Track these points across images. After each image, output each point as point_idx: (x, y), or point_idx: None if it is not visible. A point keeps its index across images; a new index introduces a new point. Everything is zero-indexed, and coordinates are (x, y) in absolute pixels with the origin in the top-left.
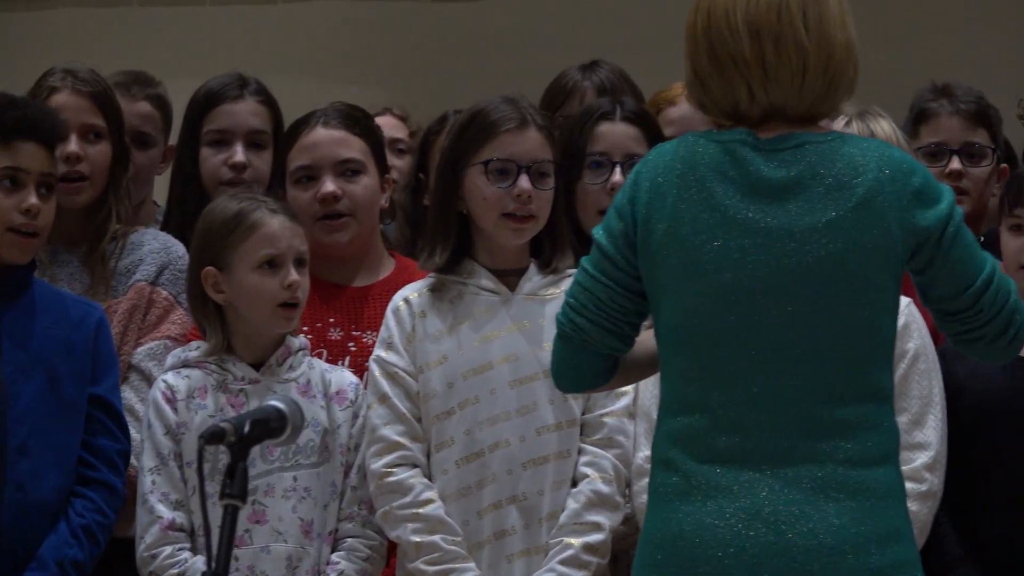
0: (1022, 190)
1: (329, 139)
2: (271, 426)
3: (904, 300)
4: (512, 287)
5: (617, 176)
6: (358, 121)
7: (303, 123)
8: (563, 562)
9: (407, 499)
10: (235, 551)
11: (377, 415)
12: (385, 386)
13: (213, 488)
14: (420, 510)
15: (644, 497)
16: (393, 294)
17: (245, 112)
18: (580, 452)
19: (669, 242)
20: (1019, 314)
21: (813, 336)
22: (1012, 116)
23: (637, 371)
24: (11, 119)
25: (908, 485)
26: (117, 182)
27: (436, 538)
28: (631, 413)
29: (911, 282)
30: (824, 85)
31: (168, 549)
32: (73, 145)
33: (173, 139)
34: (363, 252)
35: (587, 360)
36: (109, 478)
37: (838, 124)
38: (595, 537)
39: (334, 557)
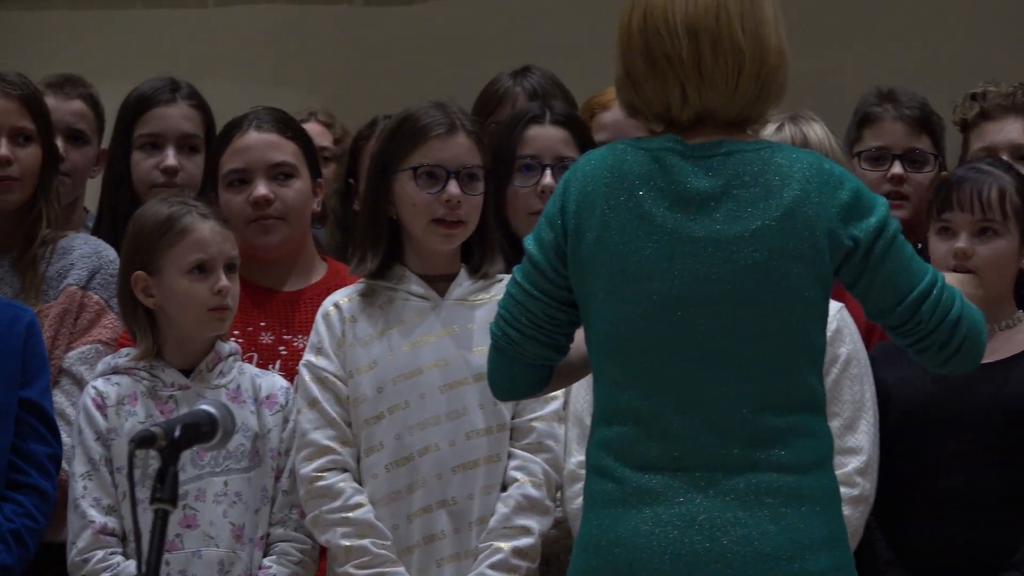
0: (950, 194)
1: (261, 143)
2: (202, 430)
3: (836, 305)
4: (442, 292)
5: (547, 179)
6: (290, 125)
7: (236, 126)
8: (493, 566)
9: (337, 503)
10: (166, 555)
11: (307, 419)
12: (315, 390)
13: (144, 493)
14: (350, 514)
15: (577, 502)
16: (325, 298)
17: (177, 116)
18: (510, 456)
19: (598, 251)
20: (964, 324)
21: (742, 344)
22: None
23: (569, 375)
24: None
25: (841, 490)
26: (47, 185)
27: (366, 542)
28: (561, 417)
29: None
30: (756, 89)
31: (100, 553)
32: (3, 148)
33: (105, 144)
34: (295, 256)
35: (521, 371)
36: (39, 482)
37: (770, 128)
38: (525, 541)
39: (266, 561)
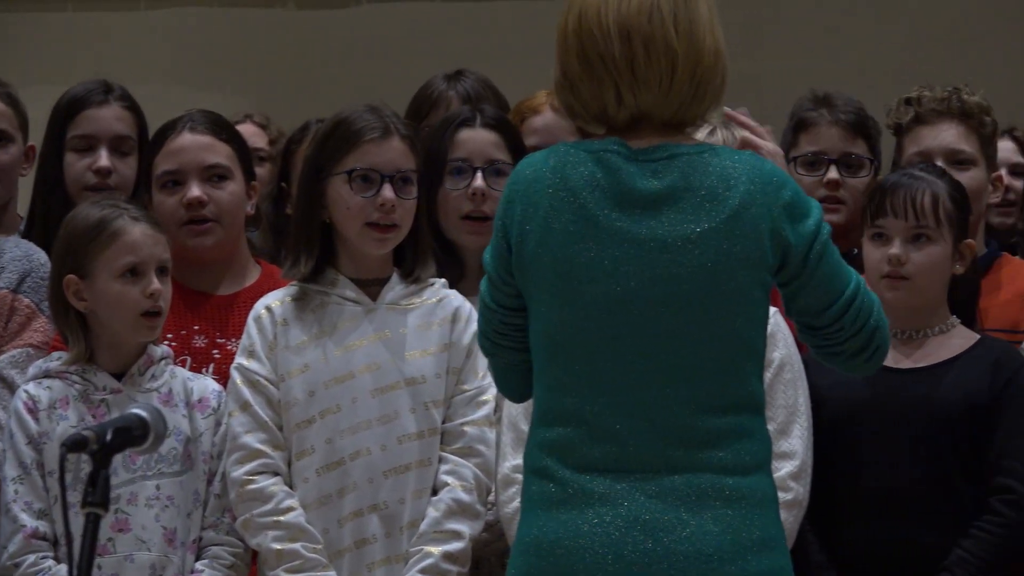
0: (885, 200)
1: (196, 144)
2: (134, 434)
3: (770, 310)
4: (374, 296)
5: (478, 181)
6: (224, 127)
7: (170, 128)
8: (423, 570)
9: (268, 507)
10: (98, 559)
11: (238, 423)
12: (246, 394)
13: (76, 497)
14: (281, 518)
15: (511, 506)
16: (258, 301)
17: (110, 117)
18: (441, 460)
19: (541, 253)
20: (880, 331)
21: (686, 346)
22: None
23: None
24: None
25: None
26: None
27: (297, 546)
28: (492, 422)
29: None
30: (691, 90)
31: (31, 557)
32: None
33: (32, 142)
34: (228, 259)
35: (514, 375)
36: None
37: (702, 132)
38: (455, 545)
39: (198, 565)
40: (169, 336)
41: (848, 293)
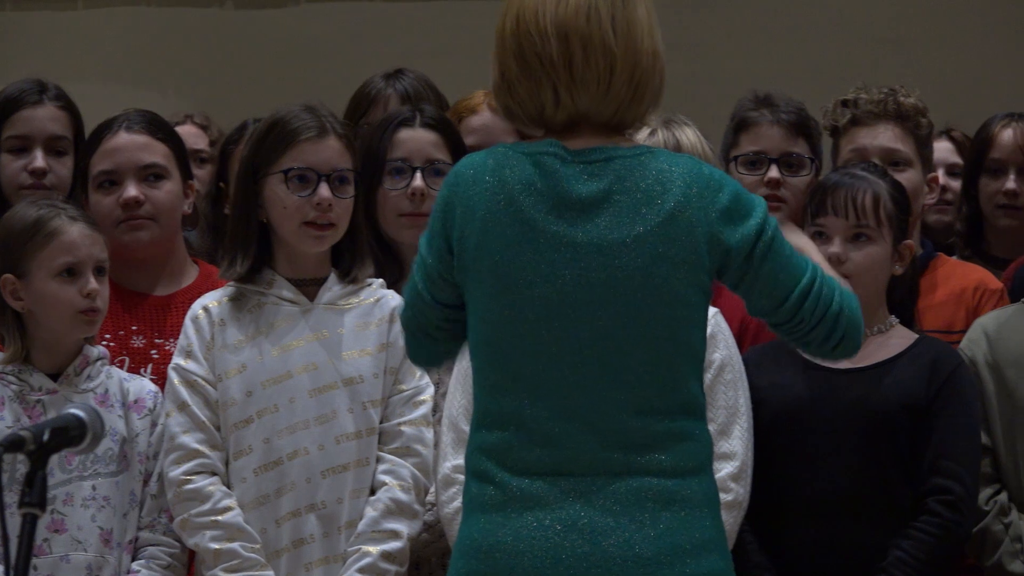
0: (825, 199)
1: (132, 144)
2: (71, 434)
3: (711, 310)
4: (312, 297)
5: (418, 181)
6: (161, 127)
7: (106, 128)
8: (361, 570)
9: (206, 507)
10: (34, 560)
11: (176, 423)
12: (184, 394)
13: (12, 497)
14: (219, 517)
15: (452, 506)
16: (195, 302)
17: (44, 117)
18: (379, 460)
19: (480, 256)
20: (845, 314)
21: (624, 350)
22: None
23: None
24: None
25: None
26: None
27: (235, 545)
28: (430, 422)
29: (715, 291)
30: (630, 92)
31: None
32: None
33: None
34: (165, 259)
35: (436, 354)
36: None
37: (642, 133)
38: (393, 545)
39: (134, 566)
40: (107, 337)
41: (803, 284)
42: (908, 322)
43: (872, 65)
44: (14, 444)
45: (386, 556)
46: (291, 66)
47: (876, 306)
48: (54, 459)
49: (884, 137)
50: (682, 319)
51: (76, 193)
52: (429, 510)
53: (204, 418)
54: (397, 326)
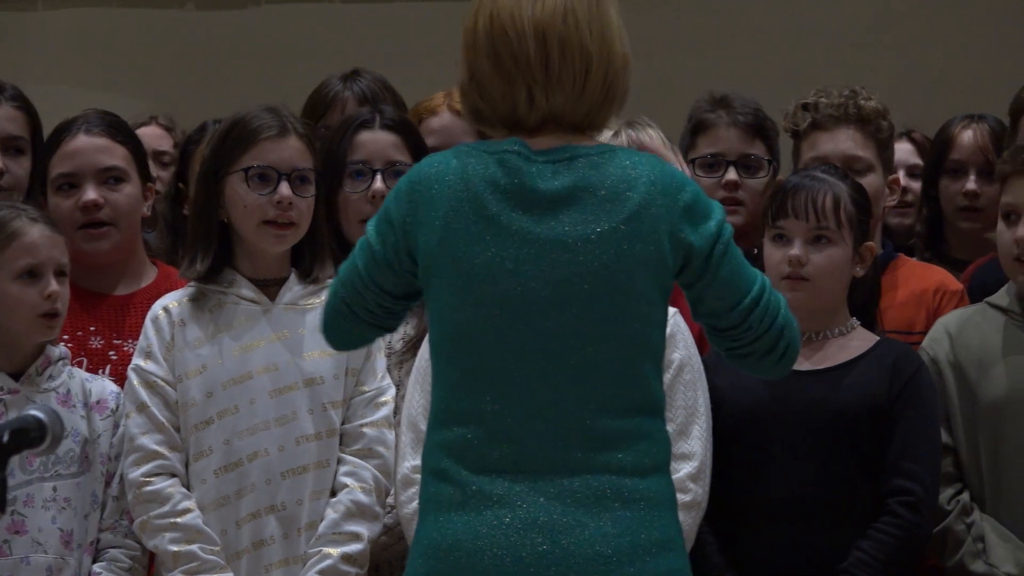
0: (786, 201)
1: (91, 146)
2: (31, 436)
3: (671, 310)
4: (272, 297)
5: (378, 183)
6: (121, 128)
7: (65, 130)
8: (321, 572)
9: (165, 508)
10: None
11: (135, 424)
12: (143, 395)
13: None
14: (178, 519)
15: (411, 507)
16: (155, 302)
17: (2, 118)
18: (340, 462)
19: (443, 254)
20: (788, 330)
21: (586, 348)
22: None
23: None
24: None
25: None
26: None
27: (194, 547)
28: (391, 423)
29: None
30: (603, 93)
31: None
32: None
33: None
34: (125, 260)
35: (353, 335)
36: None
37: (606, 135)
38: (354, 547)
39: (95, 567)
40: (65, 337)
41: (754, 293)
42: (869, 324)
43: (832, 66)
44: None
45: (347, 558)
46: (252, 67)
47: (837, 308)
48: (14, 460)
49: (845, 143)
50: (644, 317)
51: (34, 194)
52: (389, 512)
53: (163, 419)
54: None
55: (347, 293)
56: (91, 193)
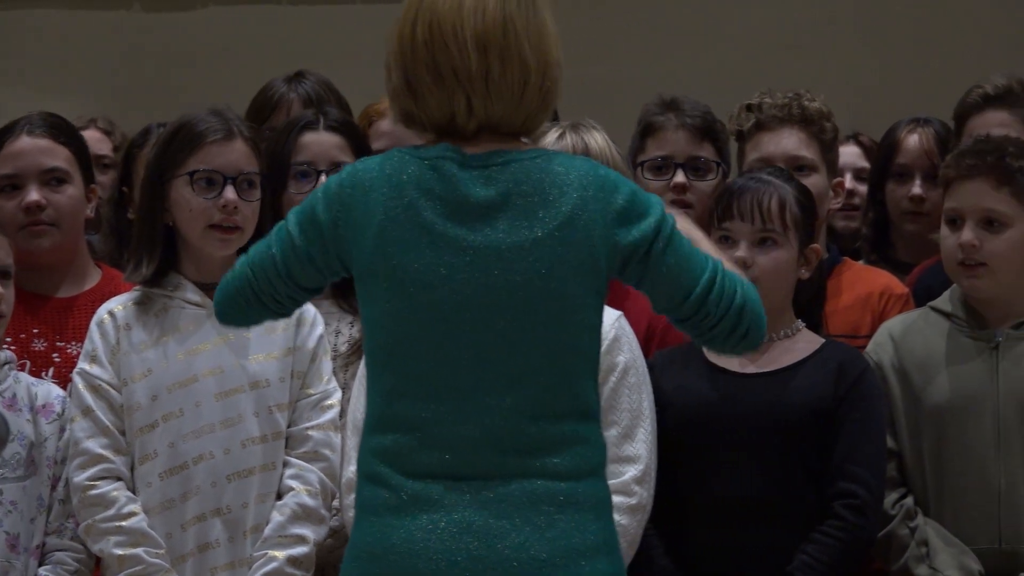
0: (731, 203)
1: (34, 148)
2: None
3: (614, 314)
4: None
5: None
6: (64, 130)
7: (7, 132)
8: (267, 575)
9: (110, 512)
10: None
11: (80, 428)
12: (88, 399)
13: None
14: (123, 523)
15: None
16: (99, 305)
17: None
18: (286, 465)
19: (378, 260)
20: (748, 307)
21: (521, 354)
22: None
23: None
24: None
25: (617, 498)
26: None
27: (139, 551)
28: (337, 426)
29: (621, 295)
30: (539, 101)
31: None
32: None
33: None
34: (68, 262)
35: (245, 314)
36: None
37: (551, 136)
38: (299, 550)
39: (41, 571)
40: (8, 339)
41: (705, 279)
42: (814, 326)
43: (778, 69)
44: None
45: (292, 561)
46: (198, 69)
47: (782, 310)
48: None
49: (789, 142)
50: (578, 323)
51: None
52: (334, 515)
53: (109, 423)
54: (304, 329)
55: (257, 281)
56: (34, 194)
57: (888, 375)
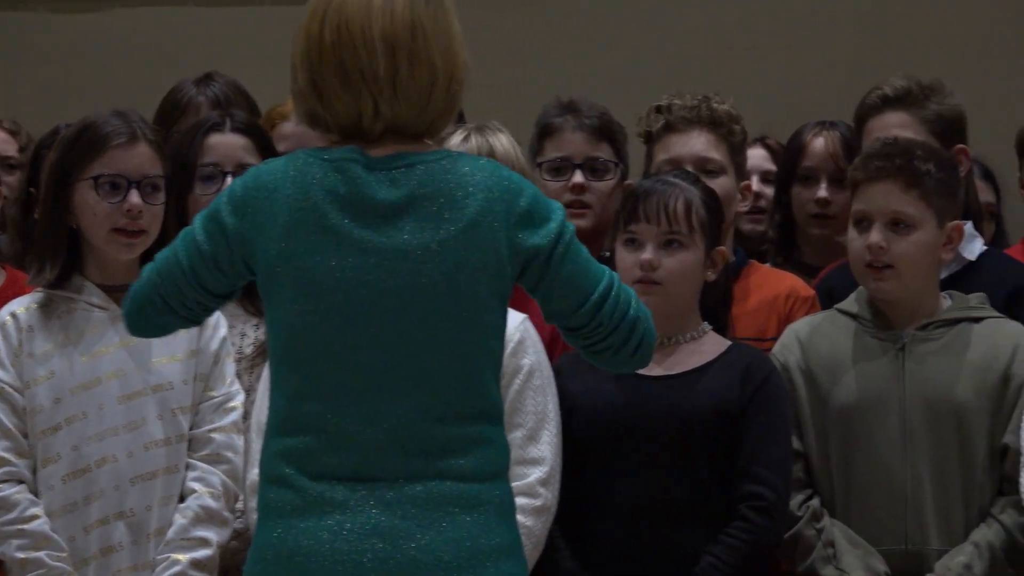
0: (637, 206)
1: None
2: None
3: (519, 316)
4: (121, 303)
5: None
6: None
7: None
8: None
9: (12, 515)
10: None
11: None
12: None
13: None
14: (25, 526)
15: None
16: (1, 307)
17: None
18: (188, 467)
19: (282, 263)
20: (641, 323)
21: (427, 356)
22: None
23: None
24: None
25: (523, 500)
26: None
27: (41, 554)
28: (240, 428)
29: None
30: (446, 103)
31: None
32: None
33: None
34: None
35: (155, 323)
36: None
37: (456, 138)
38: (202, 553)
39: None
40: None
41: (601, 289)
42: (721, 329)
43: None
44: None
45: (195, 564)
46: (106, 70)
47: (688, 312)
48: None
49: (697, 144)
50: (484, 325)
51: None
52: (239, 517)
53: (11, 425)
54: (207, 332)
55: (165, 287)
56: None
57: (794, 377)
